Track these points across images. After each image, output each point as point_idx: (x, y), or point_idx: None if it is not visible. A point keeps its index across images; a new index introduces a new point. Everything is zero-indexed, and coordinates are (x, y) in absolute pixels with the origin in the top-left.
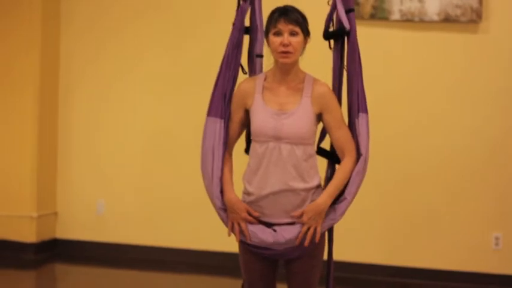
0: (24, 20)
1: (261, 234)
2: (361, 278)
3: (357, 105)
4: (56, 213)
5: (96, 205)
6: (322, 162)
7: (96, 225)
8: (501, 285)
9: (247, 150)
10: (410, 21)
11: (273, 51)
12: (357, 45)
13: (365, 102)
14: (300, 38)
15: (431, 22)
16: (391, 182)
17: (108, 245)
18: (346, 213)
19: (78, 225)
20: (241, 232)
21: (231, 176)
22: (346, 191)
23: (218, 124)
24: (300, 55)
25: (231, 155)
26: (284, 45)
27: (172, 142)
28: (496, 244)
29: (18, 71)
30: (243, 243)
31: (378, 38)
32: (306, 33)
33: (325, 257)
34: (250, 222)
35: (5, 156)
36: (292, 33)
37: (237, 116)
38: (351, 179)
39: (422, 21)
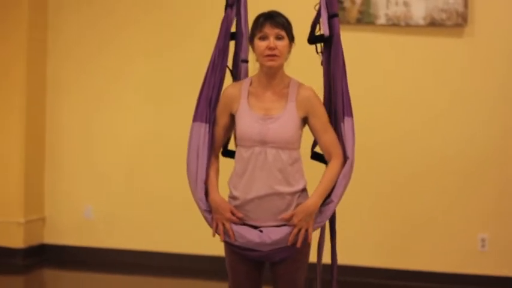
0: (11, 29)
1: (248, 235)
2: (351, 280)
3: (342, 109)
4: (43, 219)
5: (84, 210)
6: (310, 166)
7: (84, 230)
8: (488, 287)
9: (223, 153)
10: (396, 25)
11: (259, 55)
12: (341, 49)
13: (350, 106)
14: (285, 42)
15: (417, 26)
16: (380, 186)
17: (96, 250)
18: (339, 215)
19: (66, 230)
20: (226, 232)
21: (217, 178)
22: (333, 194)
23: (203, 129)
24: (285, 60)
25: (217, 157)
26: (270, 48)
27: (160, 148)
28: (482, 246)
29: (5, 78)
30: (228, 245)
31: (364, 43)
32: (291, 38)
33: (329, 260)
34: (234, 223)
35: None
36: (278, 37)
37: (222, 121)
38: (338, 182)
39: (408, 25)
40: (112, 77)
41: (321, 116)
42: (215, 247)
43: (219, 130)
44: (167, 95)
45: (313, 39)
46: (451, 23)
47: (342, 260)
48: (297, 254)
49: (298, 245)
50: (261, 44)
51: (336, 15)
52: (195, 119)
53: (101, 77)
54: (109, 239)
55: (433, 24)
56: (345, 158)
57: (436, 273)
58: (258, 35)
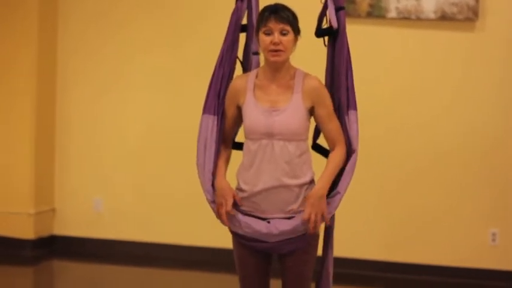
0: (21, 18)
1: (255, 225)
2: (357, 273)
3: (346, 102)
4: (53, 210)
5: (93, 202)
6: (316, 157)
7: (93, 221)
8: (498, 281)
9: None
10: (407, 19)
11: (264, 49)
12: (346, 42)
13: (354, 99)
14: (290, 36)
15: (428, 20)
16: (387, 179)
17: (105, 242)
18: (346, 209)
19: (76, 222)
20: (233, 222)
21: (225, 167)
22: (339, 186)
23: (211, 121)
24: (291, 53)
25: (227, 148)
26: (275, 43)
27: (170, 139)
28: (493, 240)
29: (15, 69)
30: (236, 237)
31: (374, 36)
32: (297, 31)
33: (340, 254)
34: (240, 211)
35: (2, 153)
36: (283, 33)
37: (229, 112)
38: (344, 174)
39: (418, 19)
40: (121, 68)
41: (326, 106)
42: (224, 239)
43: (228, 121)
44: (177, 86)
45: (320, 32)
46: (462, 17)
47: (350, 253)
48: (305, 246)
49: (312, 230)
50: (265, 39)
51: (342, 8)
52: (204, 111)
53: (110, 68)
54: (118, 231)
55: (444, 18)
56: (350, 150)
57: (446, 267)
58: (263, 29)
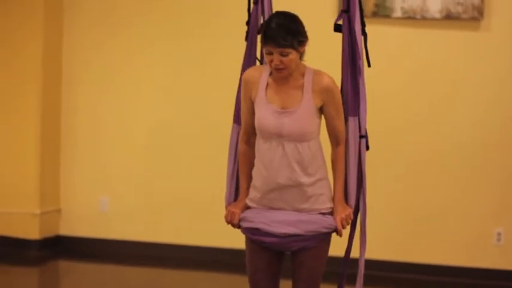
0: (27, 15)
1: (256, 220)
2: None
3: (347, 107)
4: (59, 210)
5: (99, 202)
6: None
7: (99, 222)
8: (503, 281)
9: None
10: (412, 18)
11: (268, 63)
12: (346, 46)
13: (354, 105)
14: (292, 55)
15: (433, 20)
16: (390, 178)
17: (111, 242)
18: None
19: (81, 222)
20: (240, 219)
21: (246, 181)
22: (349, 201)
23: (235, 129)
24: (301, 58)
25: (251, 146)
26: (275, 64)
27: (176, 139)
28: (498, 240)
29: (20, 67)
30: (247, 236)
31: (380, 36)
32: (301, 45)
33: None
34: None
35: (8, 152)
36: (283, 54)
37: (245, 106)
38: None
39: (424, 18)
40: (127, 67)
41: (335, 104)
42: (230, 240)
43: (246, 115)
44: (184, 85)
45: (335, 27)
46: (467, 17)
47: (354, 253)
48: (317, 243)
49: (340, 230)
50: (267, 57)
51: (344, 11)
52: (233, 121)
53: (116, 67)
54: (123, 231)
55: (449, 18)
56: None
57: (451, 267)
58: (264, 48)
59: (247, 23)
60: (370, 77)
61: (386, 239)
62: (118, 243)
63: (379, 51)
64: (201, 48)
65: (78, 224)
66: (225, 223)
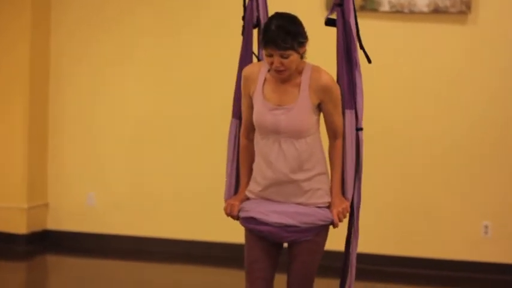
0: (14, 11)
1: (252, 209)
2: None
3: (344, 99)
4: (46, 205)
5: (87, 196)
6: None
7: (87, 216)
8: (491, 273)
9: None
10: (400, 12)
11: (267, 64)
12: (341, 39)
13: (351, 97)
14: (292, 57)
15: (421, 13)
16: (380, 174)
17: (99, 236)
18: None
19: (69, 217)
20: (239, 209)
21: (247, 175)
22: (348, 194)
23: (234, 123)
24: (302, 58)
25: (251, 140)
26: (276, 66)
27: (164, 134)
28: (485, 232)
29: (7, 62)
30: (245, 227)
31: (367, 30)
32: (301, 45)
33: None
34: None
35: None
36: (284, 56)
37: (245, 102)
38: (349, 183)
39: (412, 12)
40: (115, 62)
41: (334, 100)
42: (219, 233)
43: (246, 110)
44: (172, 81)
45: (327, 21)
46: (454, 10)
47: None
48: (313, 235)
49: (337, 222)
50: (267, 59)
51: (337, 4)
52: (232, 115)
53: (104, 63)
54: (111, 225)
55: (437, 12)
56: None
57: (439, 260)
58: (264, 50)
59: (243, 18)
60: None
61: (376, 233)
62: (106, 238)
63: (366, 46)
64: (191, 45)
65: (66, 219)
66: (214, 217)
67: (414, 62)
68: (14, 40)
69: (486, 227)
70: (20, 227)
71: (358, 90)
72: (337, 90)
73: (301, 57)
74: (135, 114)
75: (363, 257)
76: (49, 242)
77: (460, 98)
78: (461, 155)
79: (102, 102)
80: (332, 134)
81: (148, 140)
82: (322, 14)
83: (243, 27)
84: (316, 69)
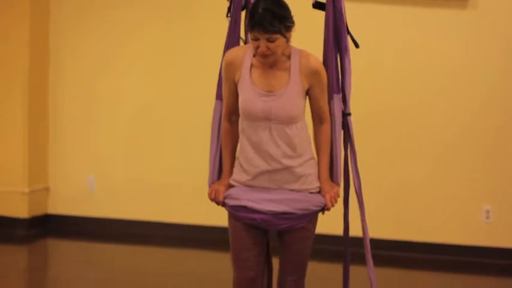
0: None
1: (243, 197)
2: (354, 251)
3: (336, 85)
4: (47, 189)
5: (87, 180)
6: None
7: (87, 200)
8: (492, 258)
9: None
10: None
11: (253, 49)
12: (330, 22)
13: (338, 82)
14: (278, 41)
15: None
16: (379, 155)
17: (99, 220)
18: None
19: (69, 201)
20: (220, 197)
21: (230, 157)
22: (338, 178)
23: (219, 105)
24: (287, 45)
25: (233, 123)
26: (261, 50)
27: (162, 118)
28: (487, 217)
29: (7, 47)
30: (231, 209)
31: (369, 14)
32: (288, 29)
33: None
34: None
35: None
36: (270, 40)
37: (227, 87)
38: (339, 166)
39: None
40: (115, 48)
41: (322, 85)
42: (217, 217)
43: (228, 96)
44: (171, 67)
45: (314, 4)
46: None
47: (339, 231)
48: (307, 222)
49: (329, 207)
50: (253, 43)
51: None
52: (216, 97)
53: (103, 48)
54: (111, 209)
55: None
56: (331, 134)
57: (440, 245)
58: (250, 34)
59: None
60: (358, 55)
61: (375, 217)
62: (106, 222)
63: (365, 29)
64: (190, 32)
65: (66, 203)
66: (210, 201)
67: (414, 46)
68: (12, 26)
69: (488, 211)
70: (21, 211)
71: (347, 75)
72: (324, 74)
73: (287, 41)
74: (135, 100)
75: (356, 241)
76: (50, 226)
77: (461, 83)
78: (463, 140)
79: (103, 87)
80: (318, 119)
81: (148, 125)
82: None
83: (229, 8)
84: (304, 53)
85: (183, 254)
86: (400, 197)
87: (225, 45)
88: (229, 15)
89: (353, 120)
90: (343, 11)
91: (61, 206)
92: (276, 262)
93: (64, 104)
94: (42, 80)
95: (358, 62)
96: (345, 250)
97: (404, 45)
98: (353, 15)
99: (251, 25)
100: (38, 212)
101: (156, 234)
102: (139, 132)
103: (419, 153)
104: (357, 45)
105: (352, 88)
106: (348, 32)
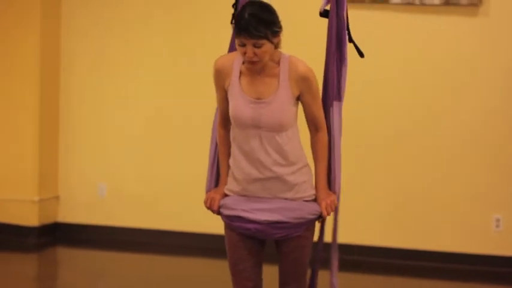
0: (25, 3)
1: (237, 207)
2: (358, 259)
3: (336, 93)
4: (57, 197)
5: (97, 188)
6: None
7: (97, 208)
8: (502, 267)
9: None
10: (410, 4)
11: (240, 54)
12: (334, 30)
13: (339, 89)
14: (265, 47)
15: (432, 5)
16: (388, 164)
17: (109, 228)
18: (345, 195)
19: (79, 209)
20: (220, 206)
21: (226, 166)
22: (336, 187)
23: (217, 112)
24: (276, 47)
25: (227, 130)
26: (248, 56)
27: (174, 125)
28: (497, 226)
29: (18, 54)
30: (226, 224)
31: (378, 22)
32: (274, 36)
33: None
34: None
35: (6, 140)
36: (256, 46)
37: (219, 95)
38: (337, 174)
39: (422, 4)
40: (125, 53)
41: (314, 91)
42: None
43: (221, 103)
44: (183, 71)
45: (321, 13)
46: (465, 2)
47: (349, 239)
48: (303, 230)
49: (326, 217)
50: (240, 48)
51: None
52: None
53: (114, 54)
54: (122, 218)
55: (448, 3)
56: (330, 142)
57: (450, 254)
58: (236, 39)
59: (234, 6)
60: (367, 63)
61: (384, 225)
62: (116, 230)
63: (376, 37)
64: (203, 37)
65: (77, 211)
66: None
67: (425, 54)
68: (24, 35)
69: (498, 220)
70: (31, 219)
71: (342, 83)
72: (315, 80)
73: (276, 47)
74: (146, 106)
75: (373, 250)
76: (60, 235)
77: (471, 90)
78: (473, 148)
79: (113, 94)
80: (313, 126)
81: (160, 131)
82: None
83: (233, 15)
84: (293, 60)
85: (197, 262)
86: (409, 206)
87: (228, 52)
88: (233, 21)
89: (362, 130)
90: (345, 20)
91: (71, 214)
92: (275, 272)
93: (74, 112)
94: (53, 88)
95: (367, 70)
96: (331, 256)
97: (416, 54)
98: (362, 23)
99: (237, 30)
100: (48, 220)
101: (168, 243)
102: (151, 140)
103: (429, 162)
104: (361, 55)
105: (362, 96)
106: (352, 41)
